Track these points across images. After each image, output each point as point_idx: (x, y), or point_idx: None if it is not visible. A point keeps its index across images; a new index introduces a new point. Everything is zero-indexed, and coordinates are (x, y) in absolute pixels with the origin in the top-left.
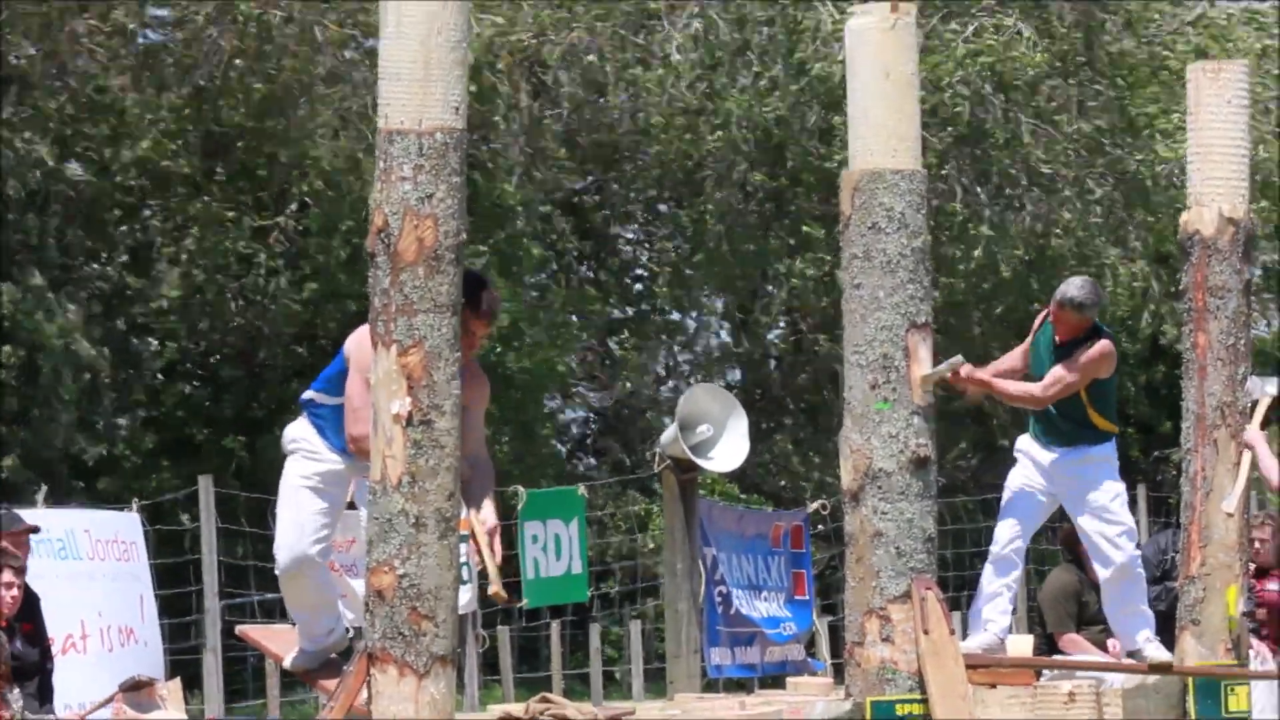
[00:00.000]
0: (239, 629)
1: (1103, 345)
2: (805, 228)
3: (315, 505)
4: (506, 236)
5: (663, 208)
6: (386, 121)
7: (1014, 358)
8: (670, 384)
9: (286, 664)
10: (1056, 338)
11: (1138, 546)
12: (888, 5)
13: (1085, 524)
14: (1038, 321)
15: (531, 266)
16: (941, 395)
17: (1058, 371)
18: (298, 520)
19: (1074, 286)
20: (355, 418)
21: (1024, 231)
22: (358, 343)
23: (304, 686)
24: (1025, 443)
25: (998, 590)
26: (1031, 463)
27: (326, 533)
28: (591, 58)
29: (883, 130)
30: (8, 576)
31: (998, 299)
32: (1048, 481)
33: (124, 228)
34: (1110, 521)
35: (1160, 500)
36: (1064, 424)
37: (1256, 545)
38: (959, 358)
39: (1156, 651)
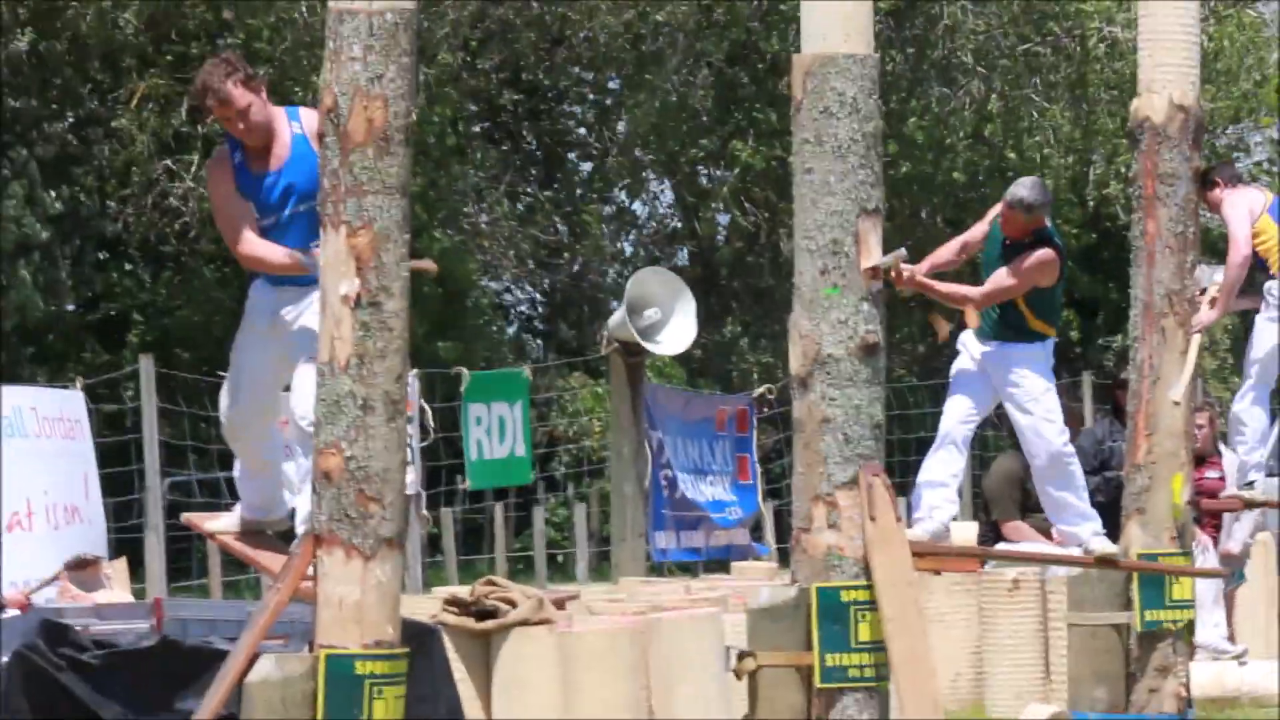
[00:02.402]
0: (184, 516)
1: (1043, 254)
2: (756, 113)
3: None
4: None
5: (612, 84)
6: (337, 1)
7: (950, 249)
8: (618, 267)
9: (219, 526)
10: (1004, 237)
11: (1074, 437)
12: None
13: (1016, 416)
14: (990, 215)
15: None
16: (889, 282)
17: (998, 277)
18: (232, 381)
19: (1023, 187)
20: (230, 239)
21: (964, 110)
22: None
23: (247, 568)
24: (966, 335)
25: (943, 478)
26: (970, 355)
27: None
28: None
29: (835, 14)
30: None
31: (942, 185)
32: (983, 373)
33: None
34: (1039, 414)
35: (1105, 387)
36: (1000, 322)
37: (1195, 432)
38: (902, 251)
39: (1102, 545)
